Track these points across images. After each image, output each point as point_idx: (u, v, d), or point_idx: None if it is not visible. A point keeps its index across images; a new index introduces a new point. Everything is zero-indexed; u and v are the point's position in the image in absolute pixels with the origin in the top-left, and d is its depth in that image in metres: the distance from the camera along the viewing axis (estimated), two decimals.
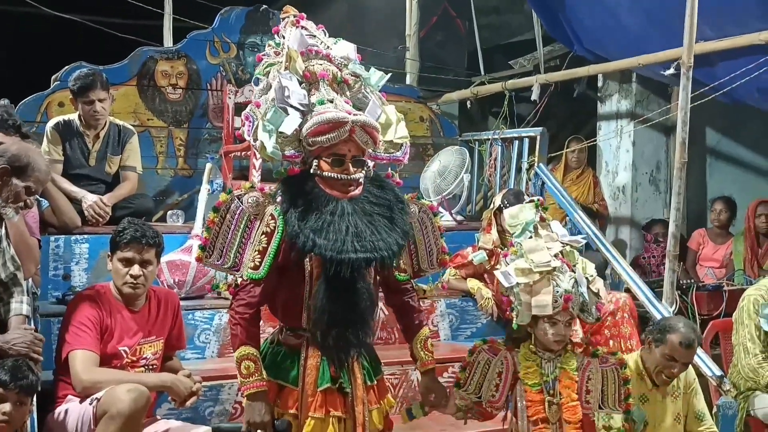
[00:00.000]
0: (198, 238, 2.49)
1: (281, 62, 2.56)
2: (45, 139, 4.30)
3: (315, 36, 2.68)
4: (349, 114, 2.45)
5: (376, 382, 2.65)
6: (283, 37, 2.65)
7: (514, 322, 2.64)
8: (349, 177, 2.45)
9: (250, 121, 2.53)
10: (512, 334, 2.72)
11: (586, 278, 2.67)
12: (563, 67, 6.05)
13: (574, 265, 2.66)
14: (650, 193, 6.44)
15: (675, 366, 3.28)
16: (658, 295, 4.10)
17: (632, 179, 6.36)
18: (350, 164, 2.45)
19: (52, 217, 3.96)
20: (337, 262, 2.39)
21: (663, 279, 4.14)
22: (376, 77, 2.68)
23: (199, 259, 2.56)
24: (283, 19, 2.73)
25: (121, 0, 5.55)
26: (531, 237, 2.64)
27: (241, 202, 2.50)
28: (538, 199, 2.78)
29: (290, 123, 2.43)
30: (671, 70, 4.13)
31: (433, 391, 2.73)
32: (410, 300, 2.72)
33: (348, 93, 2.61)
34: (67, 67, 4.74)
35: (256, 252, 2.46)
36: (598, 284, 2.73)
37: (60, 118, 4.41)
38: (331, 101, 2.51)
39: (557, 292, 2.56)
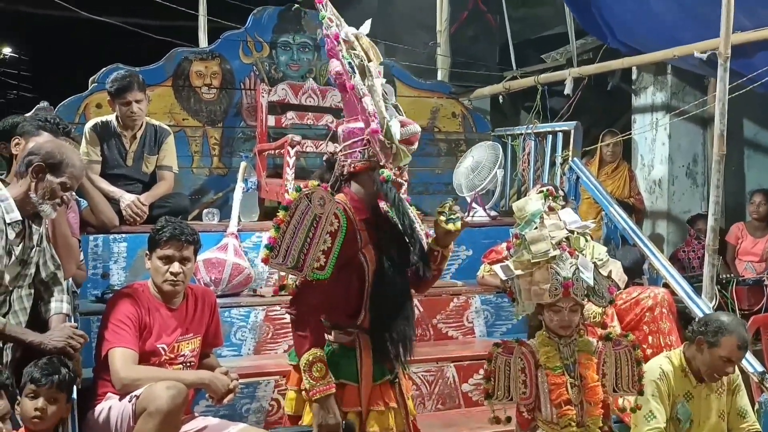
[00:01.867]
0: (269, 240, 2.46)
1: (353, 44, 2.55)
2: (83, 140, 4.36)
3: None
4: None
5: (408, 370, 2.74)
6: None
7: (516, 312, 2.72)
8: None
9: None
10: (531, 324, 2.78)
11: (594, 262, 2.67)
12: (596, 60, 5.97)
13: (581, 252, 2.66)
14: (687, 186, 6.34)
15: (730, 367, 3.25)
16: (698, 290, 4.04)
17: (669, 172, 6.26)
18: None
19: (91, 216, 4.02)
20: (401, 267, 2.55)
21: (702, 274, 4.07)
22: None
23: (265, 260, 2.49)
24: None
25: (155, 2, 5.62)
26: (536, 228, 2.63)
27: (310, 201, 2.48)
28: (548, 189, 2.78)
29: (397, 126, 2.48)
30: (707, 54, 4.04)
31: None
32: None
33: None
34: (104, 69, 4.81)
35: (321, 252, 2.45)
36: (611, 266, 2.76)
37: (98, 120, 4.47)
38: (396, 105, 2.57)
39: (556, 279, 2.58)
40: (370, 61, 2.56)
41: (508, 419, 2.73)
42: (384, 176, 2.49)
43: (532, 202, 2.73)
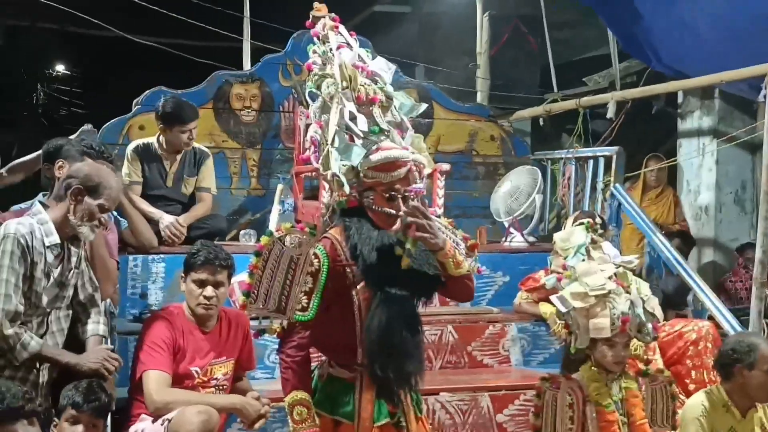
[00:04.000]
0: (242, 285, 2.46)
1: (333, 76, 2.50)
2: (125, 161, 4.44)
3: (352, 47, 2.62)
4: (408, 151, 2.45)
5: (423, 413, 2.62)
6: (324, 43, 2.62)
7: (572, 346, 2.66)
8: (399, 213, 2.41)
9: (316, 146, 2.51)
10: (570, 357, 2.74)
11: (641, 298, 2.66)
12: (641, 83, 5.88)
13: (628, 286, 2.65)
14: (735, 213, 6.19)
15: None
16: (744, 324, 3.92)
17: (716, 199, 6.13)
18: (401, 200, 2.43)
19: (131, 237, 4.07)
20: (400, 298, 2.39)
21: (749, 306, 3.95)
22: (411, 104, 2.62)
23: (243, 307, 2.49)
24: (317, 18, 2.69)
25: (199, 25, 5.71)
26: (584, 260, 2.62)
27: (283, 244, 2.44)
28: (589, 221, 2.77)
29: (358, 154, 2.40)
30: (763, 92, 3.93)
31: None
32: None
33: (385, 117, 2.54)
34: (148, 91, 4.90)
35: (302, 293, 2.41)
36: (653, 303, 2.74)
37: (139, 142, 4.55)
38: (388, 133, 2.48)
39: (614, 314, 2.57)
40: (345, 88, 2.48)
41: None
42: (335, 206, 2.48)
43: (577, 233, 2.74)
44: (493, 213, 5.34)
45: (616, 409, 2.65)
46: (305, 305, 2.40)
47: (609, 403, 2.62)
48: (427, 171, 2.62)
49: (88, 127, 4.15)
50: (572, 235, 2.74)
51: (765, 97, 3.97)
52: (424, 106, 2.71)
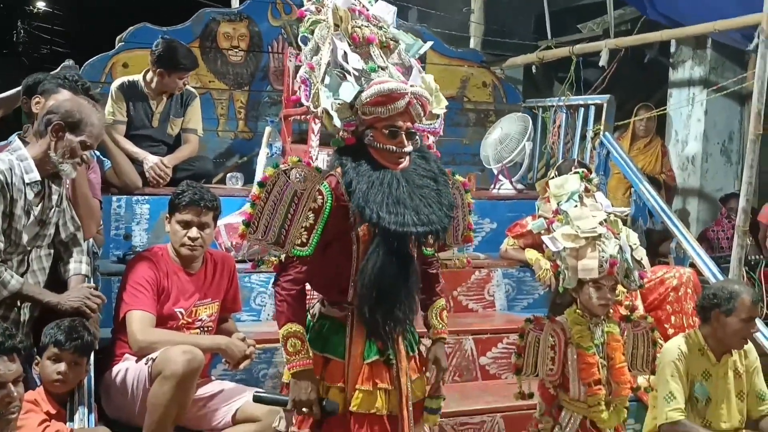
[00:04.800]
0: (243, 215, 2.43)
1: (326, 20, 2.46)
2: (109, 99, 4.36)
3: None
4: (407, 85, 2.39)
5: (416, 352, 2.63)
6: None
7: (560, 285, 2.69)
8: (403, 150, 2.39)
9: (306, 85, 2.47)
10: (556, 302, 2.79)
11: (630, 246, 2.70)
12: (634, 31, 5.81)
13: (618, 233, 2.69)
14: (721, 164, 6.20)
15: (753, 325, 3.22)
16: (725, 271, 3.96)
17: (703, 149, 6.12)
18: (404, 136, 2.39)
19: (114, 177, 4.03)
20: (400, 235, 2.35)
21: (730, 254, 3.98)
22: (416, 44, 2.58)
23: (242, 236, 2.45)
24: None
25: None
26: (576, 206, 2.65)
27: (288, 178, 2.42)
28: (583, 171, 2.82)
29: (349, 90, 2.36)
30: (755, 41, 3.89)
31: (439, 360, 2.65)
32: (434, 271, 2.69)
33: (390, 59, 2.50)
34: (131, 28, 4.80)
35: (303, 228, 2.40)
36: (641, 253, 2.77)
37: (124, 79, 4.45)
38: (385, 69, 2.43)
39: (603, 257, 2.60)
40: (337, 27, 2.45)
41: (531, 395, 2.75)
42: (332, 142, 2.44)
43: (571, 181, 2.78)
44: (482, 160, 5.33)
45: (597, 352, 2.69)
46: (305, 240, 2.40)
47: (590, 345, 2.67)
48: (439, 111, 2.57)
49: (69, 62, 4.07)
50: (567, 182, 2.77)
51: (756, 46, 3.93)
52: (428, 44, 2.67)
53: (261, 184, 2.43)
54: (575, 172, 2.82)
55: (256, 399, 2.60)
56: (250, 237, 2.44)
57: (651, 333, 2.81)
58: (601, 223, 2.65)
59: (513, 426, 3.53)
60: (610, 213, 2.70)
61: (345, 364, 2.50)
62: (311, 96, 2.43)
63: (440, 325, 2.67)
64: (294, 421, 2.53)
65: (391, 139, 2.38)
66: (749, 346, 3.37)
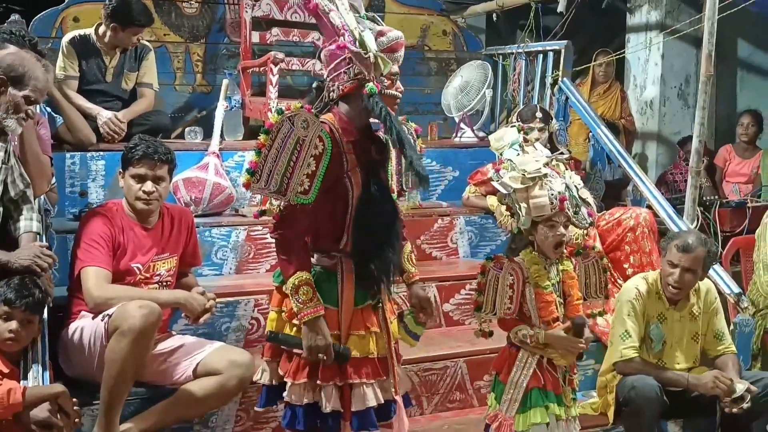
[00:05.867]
0: (250, 164, 2.42)
1: None
2: (60, 54, 4.24)
3: None
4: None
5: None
6: None
7: (515, 226, 2.75)
8: (401, 94, 2.50)
9: (346, 30, 2.41)
10: (512, 246, 2.84)
11: (575, 186, 2.76)
12: None
13: (563, 173, 2.76)
14: (678, 107, 6.25)
15: (674, 273, 3.26)
16: (680, 212, 4.03)
17: (660, 93, 6.16)
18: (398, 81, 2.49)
19: (67, 134, 3.95)
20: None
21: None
22: None
23: (247, 185, 2.44)
24: None
25: None
26: (519, 154, 2.68)
27: (292, 124, 2.41)
28: (520, 125, 2.86)
29: (372, 39, 2.41)
30: None
31: (422, 300, 2.78)
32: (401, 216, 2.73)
33: None
34: None
35: (305, 175, 2.40)
36: (586, 193, 2.83)
37: (76, 33, 4.32)
38: (374, 19, 2.50)
39: (552, 194, 2.66)
40: None
41: (491, 333, 2.79)
42: (367, 90, 2.42)
43: (510, 133, 2.83)
44: (444, 109, 5.32)
45: (554, 290, 2.74)
46: (307, 188, 2.41)
47: (547, 284, 2.72)
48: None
49: (15, 17, 3.95)
50: (505, 134, 2.84)
51: None
52: None
53: (266, 131, 2.42)
54: (512, 125, 2.89)
55: (272, 338, 2.57)
56: (254, 186, 2.43)
57: (600, 261, 2.88)
58: (545, 165, 2.71)
59: (475, 370, 3.61)
60: (551, 158, 2.75)
61: (338, 312, 2.53)
62: (356, 42, 2.41)
63: (413, 269, 2.81)
64: (286, 372, 2.55)
65: (392, 84, 2.47)
66: (709, 286, 3.43)
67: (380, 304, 2.63)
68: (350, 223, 2.51)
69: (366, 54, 2.40)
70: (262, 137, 2.42)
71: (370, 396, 2.55)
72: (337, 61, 2.46)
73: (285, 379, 2.57)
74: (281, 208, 2.48)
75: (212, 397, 2.92)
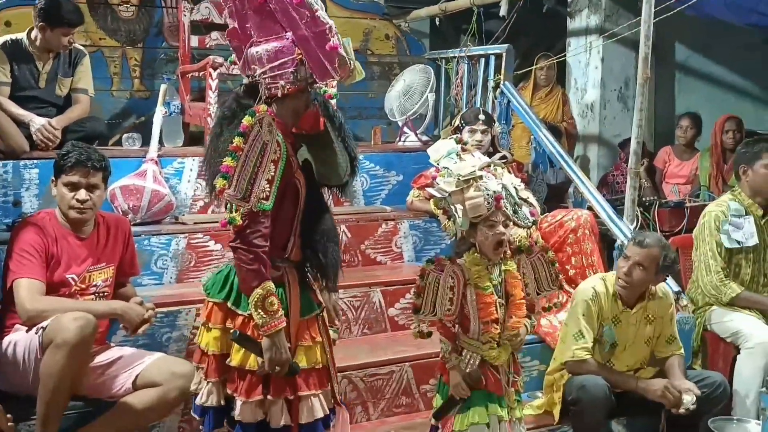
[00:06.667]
0: (223, 167, 2.37)
1: None
2: None
3: None
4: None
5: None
6: None
7: (455, 229, 2.74)
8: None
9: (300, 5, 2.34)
10: (456, 251, 2.81)
11: (515, 187, 2.77)
12: None
13: (501, 176, 2.77)
14: (618, 110, 6.37)
15: (626, 266, 3.29)
16: (621, 213, 4.09)
17: (601, 96, 6.27)
18: None
19: None
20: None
21: None
22: None
23: (221, 191, 2.34)
24: None
25: None
26: (456, 162, 2.70)
27: (261, 128, 2.35)
28: (459, 137, 2.91)
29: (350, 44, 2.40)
30: None
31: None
32: None
33: None
34: None
35: (266, 181, 2.35)
36: (527, 193, 2.85)
37: (7, 38, 4.18)
38: None
39: (487, 193, 2.67)
40: None
41: (429, 334, 2.78)
42: (330, 94, 2.42)
43: (446, 143, 2.83)
44: (387, 113, 5.31)
45: (496, 291, 2.74)
46: (268, 194, 2.36)
47: (488, 285, 2.72)
48: None
49: None
50: (442, 144, 2.83)
51: None
52: None
53: (240, 134, 2.35)
54: (451, 137, 2.92)
55: (241, 338, 2.44)
56: (227, 192, 2.35)
57: (546, 254, 2.89)
58: (480, 169, 2.71)
59: (421, 374, 3.60)
60: (489, 162, 2.76)
61: (288, 323, 2.47)
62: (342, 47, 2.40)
63: None
64: (235, 391, 2.48)
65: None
66: (666, 292, 3.46)
67: (321, 314, 2.60)
68: (297, 226, 2.48)
69: (349, 60, 2.37)
70: (237, 140, 2.35)
71: (318, 407, 2.52)
72: (282, 60, 2.38)
73: (236, 398, 2.49)
74: (243, 215, 2.37)
75: (152, 409, 2.85)
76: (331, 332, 2.68)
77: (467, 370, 2.74)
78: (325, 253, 2.54)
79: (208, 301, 2.59)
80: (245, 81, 2.65)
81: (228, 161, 2.34)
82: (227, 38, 2.56)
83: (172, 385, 2.84)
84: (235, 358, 2.49)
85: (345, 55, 2.36)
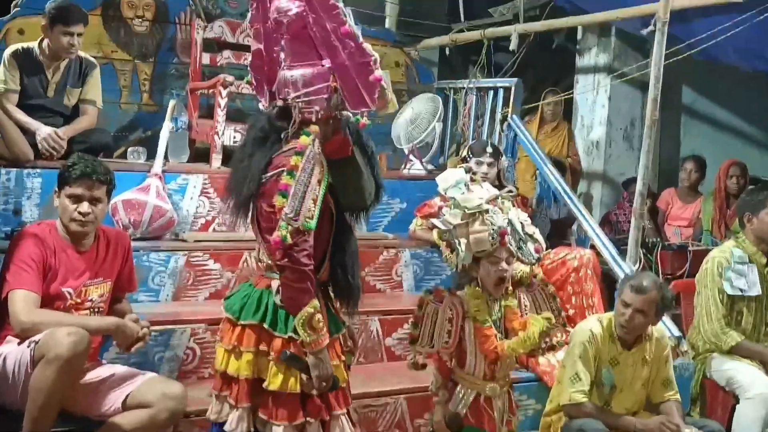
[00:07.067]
0: (281, 185, 2.42)
1: None
2: (2, 66, 4.10)
3: None
4: None
5: None
6: None
7: (456, 262, 2.73)
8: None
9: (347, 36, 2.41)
10: (458, 281, 2.82)
11: (521, 222, 2.76)
12: (543, 17, 5.89)
13: (508, 211, 2.76)
14: (624, 149, 6.37)
15: (626, 313, 3.24)
16: (624, 253, 4.07)
17: (606, 135, 6.28)
18: None
19: (3, 148, 3.80)
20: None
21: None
22: None
23: (280, 209, 2.37)
24: None
25: None
26: (464, 192, 2.68)
27: (314, 147, 2.39)
28: (468, 167, 2.93)
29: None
30: (650, 28, 4.00)
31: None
32: None
33: None
34: None
35: (311, 200, 2.37)
36: (533, 228, 2.83)
37: (19, 46, 4.20)
38: None
39: (492, 228, 2.66)
40: None
41: (424, 366, 2.76)
42: (364, 123, 2.46)
43: (456, 172, 2.84)
44: (393, 140, 5.31)
45: (495, 326, 2.72)
46: (313, 213, 2.38)
47: (486, 319, 2.70)
48: None
49: None
50: (451, 173, 2.84)
51: (650, 32, 4.04)
52: None
53: (299, 153, 2.38)
54: (461, 167, 2.92)
55: (290, 358, 2.43)
56: (285, 212, 2.36)
57: (546, 288, 2.88)
58: (487, 202, 2.71)
59: (416, 407, 3.55)
60: (497, 195, 2.75)
61: None
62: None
63: None
64: (272, 416, 2.46)
65: None
66: (663, 333, 3.43)
67: (344, 332, 2.64)
68: (330, 246, 2.51)
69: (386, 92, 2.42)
70: (294, 159, 2.38)
71: (347, 428, 2.54)
72: (318, 86, 2.41)
73: (275, 424, 2.46)
74: (291, 233, 2.37)
75: (141, 430, 2.78)
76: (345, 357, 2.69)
77: (459, 407, 2.70)
78: (354, 275, 2.56)
79: (238, 325, 2.54)
80: (261, 103, 2.67)
81: (286, 179, 2.37)
82: (250, 58, 2.60)
83: (162, 406, 2.78)
84: (274, 382, 2.46)
85: (385, 86, 2.39)
